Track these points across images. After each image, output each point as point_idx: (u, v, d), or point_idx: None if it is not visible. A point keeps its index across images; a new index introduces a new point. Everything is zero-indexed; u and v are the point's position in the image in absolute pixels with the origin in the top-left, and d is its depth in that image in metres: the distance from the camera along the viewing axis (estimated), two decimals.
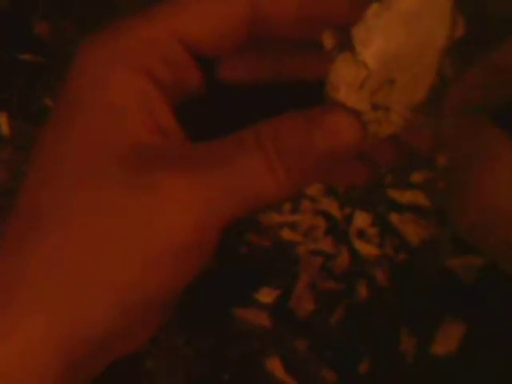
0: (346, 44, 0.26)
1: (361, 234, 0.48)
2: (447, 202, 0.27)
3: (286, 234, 0.48)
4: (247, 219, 0.48)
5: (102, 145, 0.26)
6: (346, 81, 0.26)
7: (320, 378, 0.44)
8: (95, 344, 0.25)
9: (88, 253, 0.25)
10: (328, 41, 0.27)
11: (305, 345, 0.45)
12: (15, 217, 0.26)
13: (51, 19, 0.57)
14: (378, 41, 0.26)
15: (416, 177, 0.49)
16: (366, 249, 0.47)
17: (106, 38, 0.27)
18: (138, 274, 0.25)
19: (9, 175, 0.50)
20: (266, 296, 0.46)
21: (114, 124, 0.26)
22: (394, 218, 0.48)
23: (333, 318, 0.45)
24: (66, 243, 0.25)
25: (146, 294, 0.25)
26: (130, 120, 0.26)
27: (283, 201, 0.33)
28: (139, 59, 0.27)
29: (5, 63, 0.56)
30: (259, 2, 0.28)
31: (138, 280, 0.25)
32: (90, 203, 0.25)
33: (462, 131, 0.27)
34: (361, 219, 0.48)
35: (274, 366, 0.44)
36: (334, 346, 0.45)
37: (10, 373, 0.25)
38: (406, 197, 0.48)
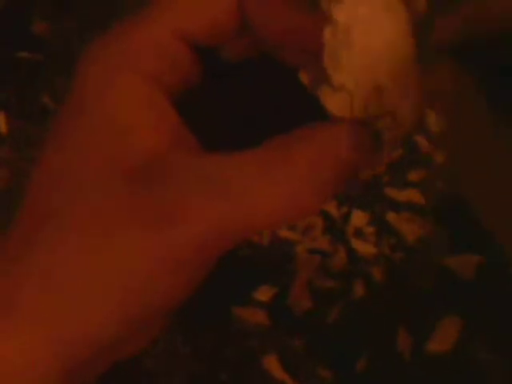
0: (321, 76, 0.26)
1: (358, 233, 0.48)
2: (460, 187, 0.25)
3: (284, 233, 0.48)
4: None
5: (109, 154, 0.26)
6: (336, 111, 0.26)
7: (317, 376, 0.44)
8: (97, 349, 0.25)
9: (91, 259, 0.25)
10: (305, 80, 0.27)
11: (302, 343, 0.45)
12: (21, 219, 0.26)
13: (49, 16, 0.57)
14: (344, 58, 0.26)
15: (413, 175, 0.49)
16: (363, 247, 0.47)
17: (108, 42, 0.27)
18: (143, 281, 0.25)
19: (7, 173, 0.50)
20: (264, 294, 0.46)
21: (121, 134, 0.26)
22: (390, 216, 0.48)
23: (330, 317, 0.46)
24: (68, 248, 0.25)
25: (149, 301, 0.25)
26: (138, 131, 0.26)
27: None
28: (144, 64, 0.26)
29: (2, 61, 0.56)
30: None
31: (141, 287, 0.25)
32: (94, 210, 0.25)
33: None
34: (358, 218, 0.48)
35: (272, 364, 0.44)
36: (331, 344, 0.45)
37: (9, 379, 0.25)
38: (402, 195, 0.48)
